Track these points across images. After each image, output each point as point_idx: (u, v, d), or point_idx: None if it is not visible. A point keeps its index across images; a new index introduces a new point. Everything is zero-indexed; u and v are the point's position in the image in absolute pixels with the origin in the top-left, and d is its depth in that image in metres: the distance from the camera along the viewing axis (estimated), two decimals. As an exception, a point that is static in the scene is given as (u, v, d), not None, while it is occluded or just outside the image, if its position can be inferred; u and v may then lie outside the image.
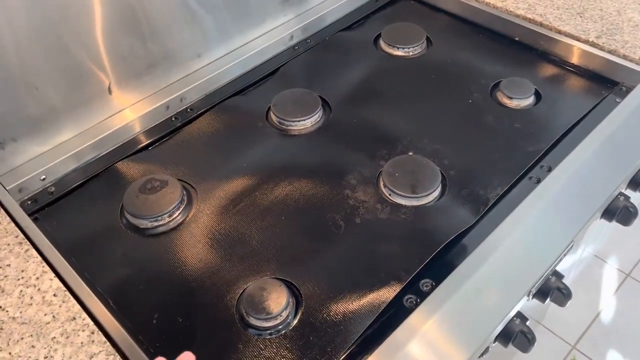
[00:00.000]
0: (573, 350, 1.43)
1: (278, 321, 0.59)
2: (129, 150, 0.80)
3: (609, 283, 1.58)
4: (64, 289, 0.60)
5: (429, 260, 0.62)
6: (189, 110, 0.85)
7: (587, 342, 1.45)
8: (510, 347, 0.65)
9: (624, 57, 0.84)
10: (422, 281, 0.61)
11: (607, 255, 1.63)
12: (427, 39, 0.97)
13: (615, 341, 1.44)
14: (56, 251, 0.64)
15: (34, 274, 0.61)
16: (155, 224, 0.69)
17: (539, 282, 0.62)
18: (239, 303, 0.61)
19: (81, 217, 0.71)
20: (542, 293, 0.68)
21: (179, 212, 0.70)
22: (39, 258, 0.63)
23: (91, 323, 0.56)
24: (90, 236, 0.69)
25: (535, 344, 0.65)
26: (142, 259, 0.67)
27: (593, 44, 0.87)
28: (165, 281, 0.64)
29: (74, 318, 0.57)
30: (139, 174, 0.76)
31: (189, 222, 0.70)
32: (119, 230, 0.69)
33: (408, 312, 0.58)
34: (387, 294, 0.60)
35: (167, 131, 0.82)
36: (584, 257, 1.39)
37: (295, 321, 0.59)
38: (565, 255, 0.66)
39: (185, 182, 0.74)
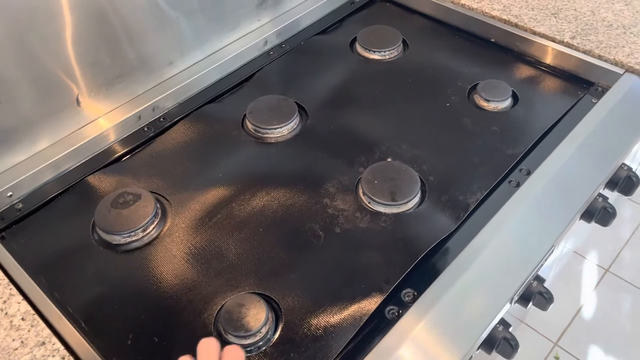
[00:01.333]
0: (555, 347, 1.44)
1: (257, 338, 0.57)
2: (101, 162, 0.77)
3: (589, 279, 1.59)
4: (33, 312, 0.57)
5: (410, 270, 0.61)
6: (161, 119, 0.83)
7: (568, 339, 1.46)
8: (494, 353, 0.64)
9: (599, 57, 0.85)
10: (404, 291, 0.60)
11: (586, 251, 1.65)
12: (403, 41, 0.96)
13: (597, 337, 1.46)
14: (24, 272, 0.62)
15: (1, 297, 0.58)
16: (129, 239, 0.67)
17: (521, 289, 0.62)
18: (217, 320, 0.59)
19: (51, 235, 0.69)
20: (525, 298, 0.67)
21: (153, 226, 0.68)
22: (6, 280, 0.60)
23: (62, 348, 0.54)
24: (61, 254, 0.66)
25: (519, 342, 0.64)
26: (115, 277, 0.64)
27: (568, 45, 0.87)
28: (140, 299, 0.62)
29: (44, 343, 0.55)
30: (111, 188, 0.73)
31: (164, 237, 0.68)
32: (90, 247, 0.67)
33: (390, 323, 0.57)
34: (368, 305, 0.59)
35: (140, 142, 0.80)
36: (564, 254, 1.40)
37: (276, 337, 0.58)
38: (546, 259, 0.65)
39: (159, 194, 0.72)
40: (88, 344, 0.56)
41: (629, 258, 1.63)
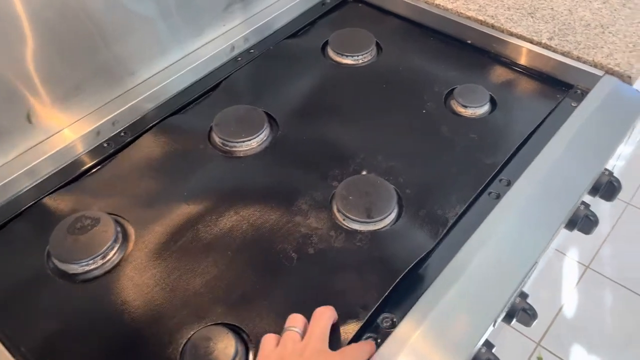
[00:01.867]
0: (538, 347, 1.43)
1: (225, 373, 0.53)
2: (57, 183, 0.72)
3: (570, 277, 1.59)
4: (-21, 355, 0.53)
5: (388, 294, 0.58)
6: (122, 134, 0.78)
7: (551, 338, 1.45)
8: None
9: (578, 58, 0.82)
10: (382, 316, 0.57)
11: (566, 249, 1.64)
12: (377, 44, 0.92)
13: (579, 335, 1.45)
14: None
15: (-57, 341, 0.54)
16: (87, 268, 0.62)
17: (505, 308, 0.59)
18: (182, 356, 0.55)
19: (1, 266, 0.64)
20: (508, 315, 0.65)
21: (113, 252, 0.64)
22: (-50, 320, 0.55)
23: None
24: (12, 287, 0.61)
25: (502, 345, 0.61)
26: (73, 310, 0.60)
27: (546, 46, 0.84)
28: (100, 333, 0.57)
29: (-9, 391, 0.50)
30: (69, 210, 0.69)
31: (125, 263, 0.63)
32: (45, 277, 0.62)
33: (368, 353, 0.54)
34: (344, 334, 0.55)
35: (99, 159, 0.75)
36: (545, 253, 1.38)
37: (246, 371, 0.54)
38: (530, 276, 0.62)
39: (120, 216, 0.68)
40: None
41: (608, 254, 1.63)
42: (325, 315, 0.54)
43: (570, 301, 1.53)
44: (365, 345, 0.54)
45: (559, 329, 1.46)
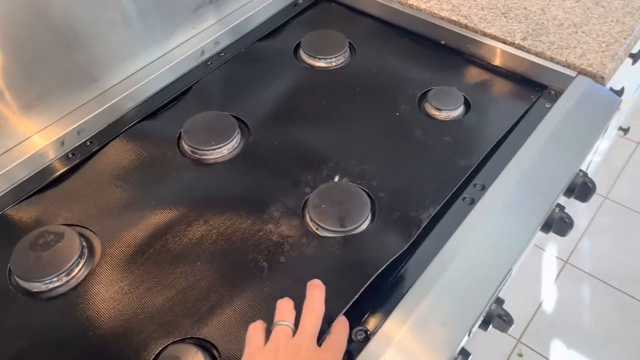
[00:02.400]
0: (519, 344, 1.44)
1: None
2: (19, 196, 0.70)
3: (549, 272, 1.59)
4: None
5: (362, 303, 0.57)
6: (88, 143, 0.76)
7: (531, 335, 1.45)
8: (455, 384, 0.61)
9: (551, 59, 0.81)
10: (356, 329, 0.56)
11: (544, 244, 1.65)
12: (350, 46, 0.91)
13: (559, 331, 1.46)
14: None
15: None
16: (51, 285, 0.60)
17: (481, 316, 0.58)
18: (151, 376, 0.53)
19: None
20: (484, 322, 0.64)
21: (78, 268, 0.62)
22: None
23: None
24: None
25: (482, 342, 0.61)
26: (37, 328, 0.58)
27: (519, 47, 0.84)
28: (66, 352, 0.56)
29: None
30: (31, 223, 0.66)
31: (91, 278, 0.61)
32: (7, 295, 0.60)
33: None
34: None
35: (64, 170, 0.73)
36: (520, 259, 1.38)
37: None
38: (505, 282, 0.62)
39: (85, 228, 0.66)
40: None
41: (587, 248, 1.64)
42: (317, 309, 0.52)
43: (549, 297, 1.53)
44: (341, 326, 0.53)
45: (539, 325, 1.47)
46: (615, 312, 1.48)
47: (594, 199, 1.74)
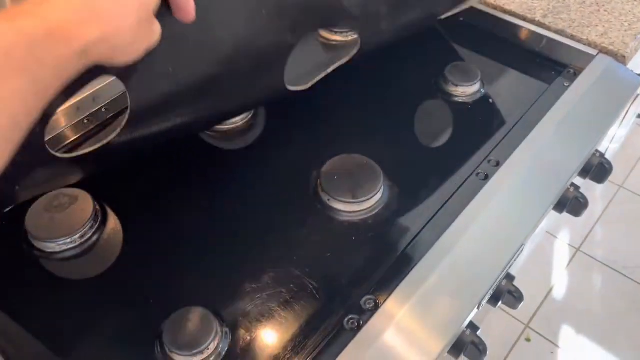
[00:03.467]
0: (527, 329, 1.43)
1: (205, 355, 0.52)
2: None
3: (560, 259, 1.58)
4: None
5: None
6: (103, 110, 0.76)
7: (540, 320, 1.45)
8: (462, 358, 0.61)
9: (572, 37, 0.80)
10: (365, 298, 0.56)
11: (557, 231, 1.64)
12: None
13: (568, 318, 1.45)
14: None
15: None
16: (65, 247, 0.61)
17: (490, 291, 0.58)
18: (161, 336, 0.53)
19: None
20: (494, 298, 0.64)
21: (92, 231, 0.62)
22: None
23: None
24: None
25: (490, 326, 0.61)
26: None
27: (539, 24, 0.82)
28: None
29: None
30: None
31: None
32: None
33: (350, 334, 0.53)
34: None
35: (79, 135, 0.73)
36: (536, 234, 1.38)
37: (226, 352, 0.53)
38: (516, 258, 0.61)
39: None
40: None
41: (600, 236, 1.62)
42: None
43: (560, 283, 1.53)
44: None
45: (548, 311, 1.47)
46: (625, 301, 1.48)
47: (609, 187, 1.72)
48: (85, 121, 0.75)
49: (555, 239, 1.62)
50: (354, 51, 0.66)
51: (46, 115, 0.44)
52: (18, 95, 0.32)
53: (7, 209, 0.60)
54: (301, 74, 0.67)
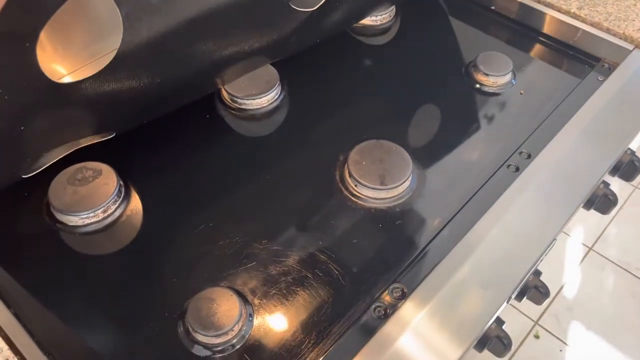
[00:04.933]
0: (536, 326, 1.42)
1: (230, 336, 0.51)
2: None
3: (572, 257, 1.57)
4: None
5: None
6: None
7: (549, 317, 1.44)
8: (485, 351, 0.60)
9: (607, 30, 0.78)
10: (392, 286, 0.55)
11: (570, 229, 1.62)
12: (396, 6, 0.88)
13: (578, 316, 1.44)
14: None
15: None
16: (87, 220, 0.60)
17: (519, 287, 0.57)
18: (185, 316, 0.53)
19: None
20: (520, 293, 0.63)
21: (115, 206, 0.61)
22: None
23: (5, 347, 0.48)
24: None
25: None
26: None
27: (575, 16, 0.80)
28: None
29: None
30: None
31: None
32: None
33: (377, 323, 0.52)
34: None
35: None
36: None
37: (251, 334, 0.52)
38: (547, 253, 0.60)
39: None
40: (31, 337, 0.50)
41: (613, 236, 1.61)
42: None
43: (571, 282, 1.51)
44: None
45: (558, 309, 1.46)
46: (636, 302, 1.46)
47: (625, 188, 1.70)
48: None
49: (567, 237, 1.61)
50: None
51: (33, 24, 0.43)
52: None
53: (26, 174, 0.59)
54: None
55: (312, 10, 0.64)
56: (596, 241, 1.60)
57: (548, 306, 1.46)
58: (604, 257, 1.56)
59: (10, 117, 0.49)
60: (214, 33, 0.58)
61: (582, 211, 0.74)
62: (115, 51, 0.68)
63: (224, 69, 0.68)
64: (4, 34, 0.41)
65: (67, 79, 0.71)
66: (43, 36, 0.66)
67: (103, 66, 0.69)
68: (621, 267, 1.54)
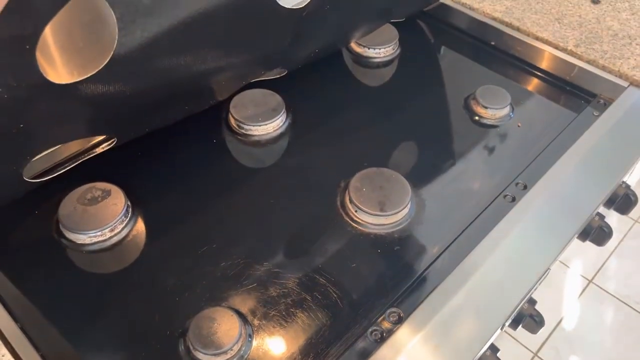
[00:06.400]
0: (535, 357, 1.42)
1: (229, 355, 0.52)
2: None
3: (572, 289, 1.57)
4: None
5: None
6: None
7: (549, 350, 1.44)
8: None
9: (603, 67, 0.81)
10: (389, 311, 0.56)
11: (570, 260, 1.63)
12: (400, 39, 0.91)
13: (577, 349, 1.44)
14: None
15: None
16: (95, 239, 0.62)
17: (513, 314, 0.58)
18: (186, 335, 0.54)
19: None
20: (515, 321, 0.64)
21: (122, 225, 0.63)
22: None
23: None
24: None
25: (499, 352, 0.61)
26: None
27: (571, 53, 0.83)
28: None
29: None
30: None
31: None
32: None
33: (373, 346, 0.53)
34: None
35: (113, 132, 0.74)
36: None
37: (249, 354, 0.53)
38: (541, 282, 0.61)
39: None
40: (36, 351, 0.51)
41: (613, 269, 1.61)
42: None
43: (570, 314, 1.51)
44: None
45: (557, 341, 1.45)
46: (635, 336, 1.46)
47: (625, 222, 1.71)
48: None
49: (567, 269, 1.62)
50: None
51: (34, 32, 0.44)
52: None
53: (39, 181, 0.61)
54: None
55: (299, 9, 0.64)
56: (596, 274, 1.60)
57: (547, 338, 1.46)
58: (603, 290, 1.57)
59: (9, 114, 0.50)
60: (207, 35, 0.59)
61: (581, 244, 0.76)
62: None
63: (219, 75, 0.69)
64: (4, 38, 0.42)
65: (66, 79, 0.73)
66: (43, 37, 0.69)
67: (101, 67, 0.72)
68: (621, 300, 1.54)
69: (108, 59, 0.52)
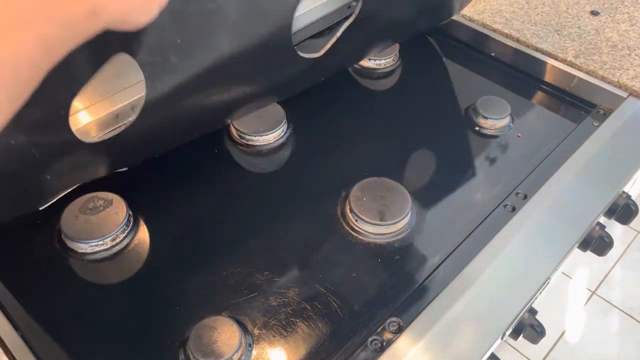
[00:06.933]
0: (538, 370, 1.41)
1: (229, 365, 0.52)
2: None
3: (575, 301, 1.57)
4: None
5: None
6: (141, 119, 0.78)
7: (552, 362, 1.43)
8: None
9: (603, 78, 0.81)
10: (389, 320, 0.56)
11: (573, 272, 1.62)
12: (400, 50, 0.92)
13: (580, 361, 1.43)
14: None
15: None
16: (96, 248, 0.62)
17: (513, 323, 0.58)
18: (186, 344, 0.54)
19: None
20: (515, 331, 0.64)
21: (123, 235, 0.63)
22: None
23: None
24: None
25: None
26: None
27: (571, 64, 0.84)
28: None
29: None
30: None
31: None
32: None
33: (372, 356, 0.53)
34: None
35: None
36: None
37: (248, 364, 0.53)
38: (541, 292, 0.61)
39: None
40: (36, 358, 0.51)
41: (616, 280, 1.61)
42: None
43: (573, 326, 1.51)
44: None
45: (560, 354, 1.44)
46: (639, 347, 1.45)
47: (628, 233, 1.71)
48: (123, 127, 0.76)
49: (570, 280, 1.61)
50: (358, 7, 0.66)
51: (67, 96, 0.46)
52: (23, 48, 0.29)
53: (43, 207, 0.62)
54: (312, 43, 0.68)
55: (318, 57, 0.67)
56: (599, 285, 1.59)
57: (550, 350, 1.45)
58: (607, 301, 1.56)
59: (39, 170, 0.52)
60: (227, 80, 0.61)
61: (583, 255, 0.76)
62: (129, 88, 0.72)
63: (233, 109, 0.71)
64: (40, 106, 0.43)
65: (82, 115, 0.74)
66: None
67: (117, 103, 0.73)
68: (624, 312, 1.53)
69: (136, 115, 0.53)
